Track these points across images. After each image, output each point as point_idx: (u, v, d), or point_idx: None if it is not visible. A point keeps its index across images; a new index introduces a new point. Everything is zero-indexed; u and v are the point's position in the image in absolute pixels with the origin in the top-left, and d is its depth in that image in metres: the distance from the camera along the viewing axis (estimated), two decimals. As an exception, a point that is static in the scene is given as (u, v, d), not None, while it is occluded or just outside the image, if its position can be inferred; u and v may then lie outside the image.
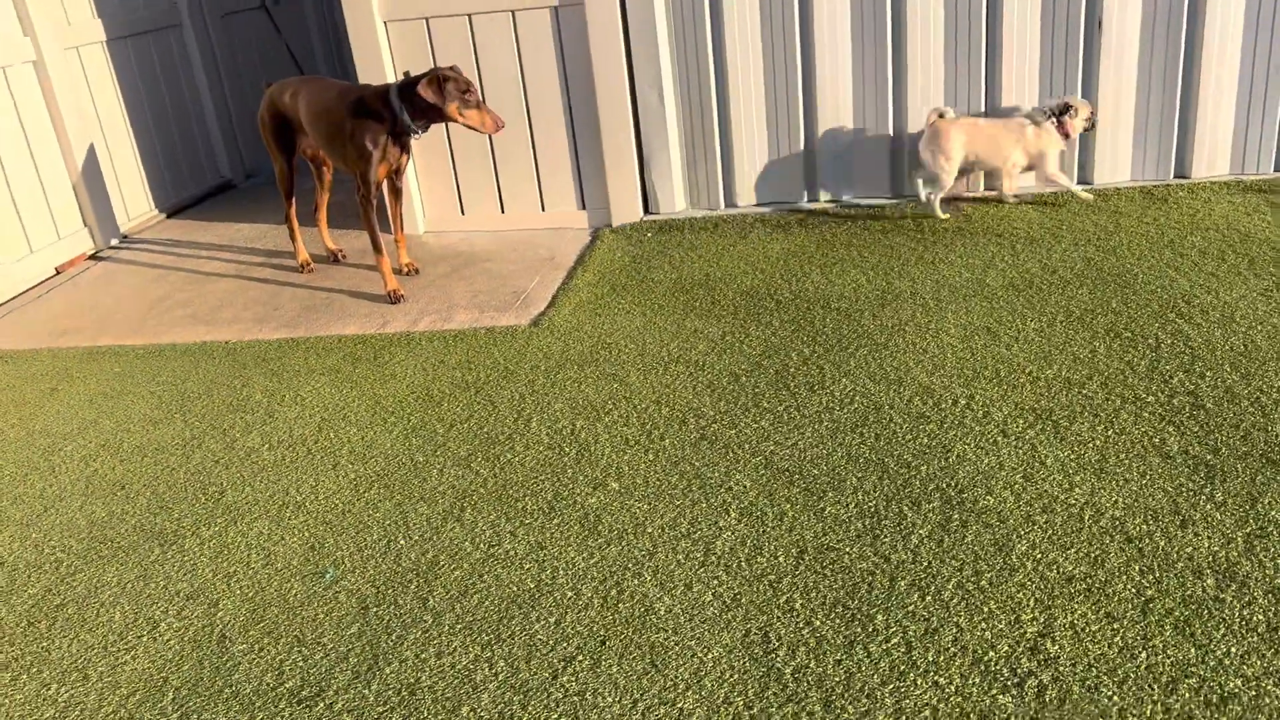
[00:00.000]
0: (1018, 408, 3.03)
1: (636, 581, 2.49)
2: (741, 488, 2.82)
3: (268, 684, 2.29)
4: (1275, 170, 4.68)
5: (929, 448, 2.89)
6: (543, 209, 5.33)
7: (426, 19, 5.06)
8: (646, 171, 5.16)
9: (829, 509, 2.67)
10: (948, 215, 4.70)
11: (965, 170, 4.72)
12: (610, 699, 2.13)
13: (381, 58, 5.11)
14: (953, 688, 2.05)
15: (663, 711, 2.08)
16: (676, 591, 2.44)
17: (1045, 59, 4.66)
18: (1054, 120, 4.49)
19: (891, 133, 4.92)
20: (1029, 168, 4.64)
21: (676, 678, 2.17)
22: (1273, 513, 2.42)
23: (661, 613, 2.37)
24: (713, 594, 2.41)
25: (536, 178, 5.27)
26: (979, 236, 4.42)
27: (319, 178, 5.05)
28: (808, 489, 2.77)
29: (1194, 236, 4.11)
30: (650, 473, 2.94)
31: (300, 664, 2.34)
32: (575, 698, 2.15)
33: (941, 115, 4.59)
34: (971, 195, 4.95)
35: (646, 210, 5.26)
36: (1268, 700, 1.92)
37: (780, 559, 2.51)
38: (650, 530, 2.68)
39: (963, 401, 3.10)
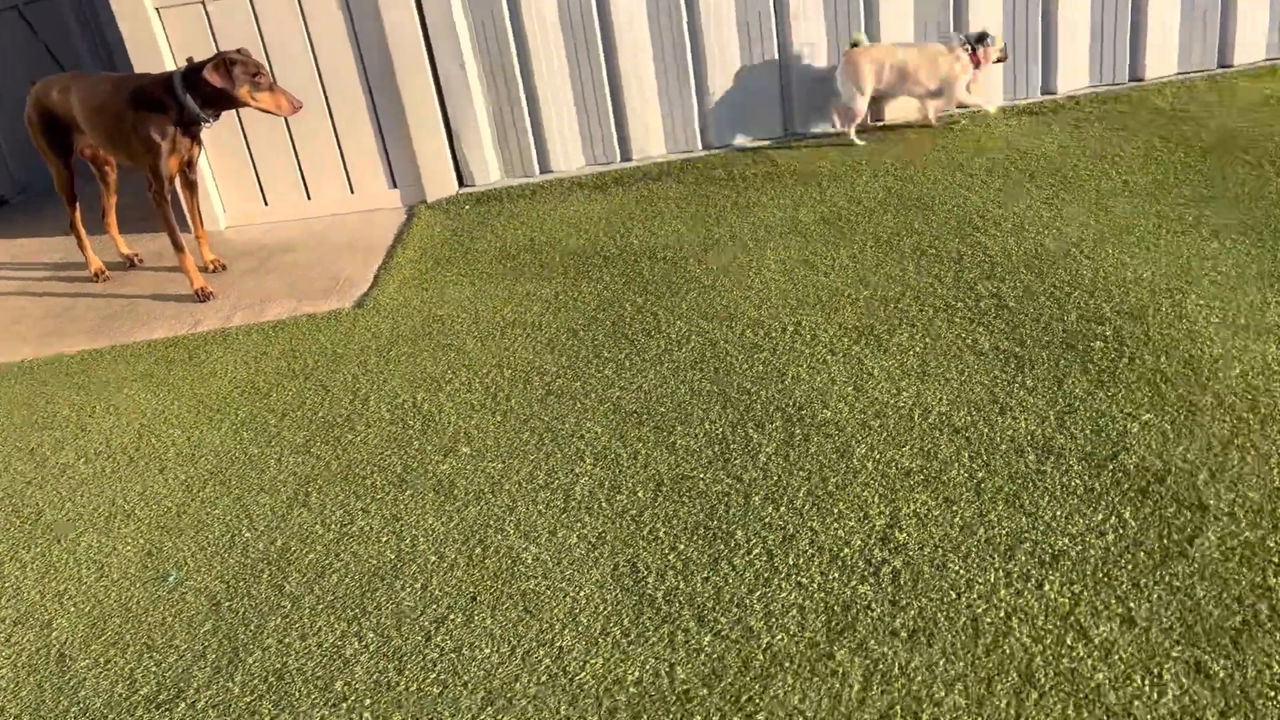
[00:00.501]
0: (842, 328, 3.17)
1: (500, 537, 2.47)
2: (593, 434, 2.84)
3: (120, 694, 2.14)
4: (1042, 94, 5.07)
5: (765, 374, 2.99)
6: (351, 191, 5.16)
7: (203, 3, 4.79)
8: (457, 144, 5.08)
9: (679, 442, 2.73)
10: (864, 143, 4.87)
11: (882, 97, 4.91)
12: (488, 649, 2.11)
13: (158, 47, 4.81)
14: (815, 585, 2.14)
15: (541, 653, 2.08)
16: (541, 540, 2.44)
17: None
18: (969, 48, 4.69)
19: (694, 83, 5.02)
20: (937, 92, 4.82)
21: (552, 619, 2.17)
22: (1077, 390, 2.65)
23: (529, 561, 2.37)
24: (577, 536, 2.43)
25: (341, 160, 5.10)
26: (787, 179, 4.59)
27: (102, 179, 4.71)
28: (657, 427, 2.82)
29: (980, 159, 4.40)
30: (500, 433, 2.92)
31: (153, 669, 2.21)
32: (452, 654, 2.12)
33: (855, 44, 4.74)
34: (879, 124, 5.08)
35: (461, 184, 5.18)
36: (1092, 553, 2.10)
37: (639, 494, 2.55)
38: (508, 487, 2.67)
39: (791, 329, 3.23)
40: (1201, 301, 2.94)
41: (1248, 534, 2.06)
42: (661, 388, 3.01)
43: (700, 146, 5.16)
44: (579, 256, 4.11)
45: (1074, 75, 5.04)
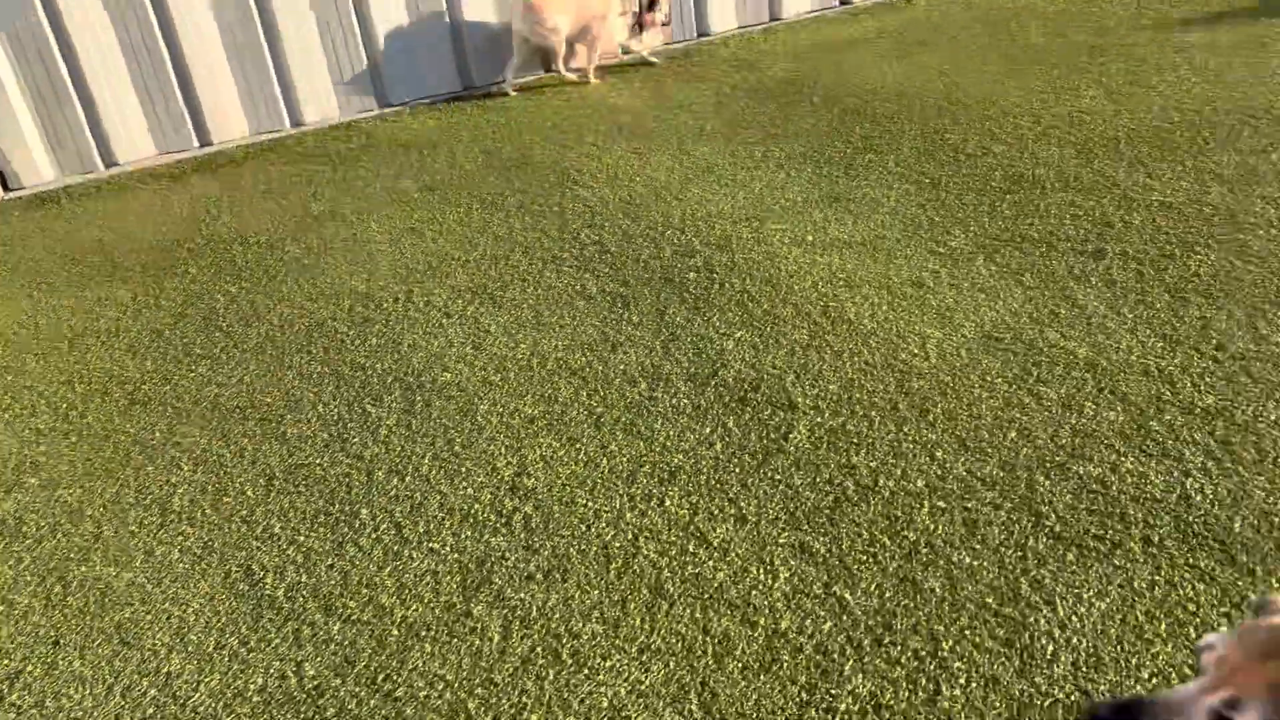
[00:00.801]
0: (455, 291, 3.10)
1: (85, 569, 2.14)
2: (190, 439, 2.55)
3: None
4: (622, 54, 5.29)
5: (380, 346, 2.85)
6: None
7: None
8: (-7, 142, 4.37)
9: (290, 430, 2.53)
10: (515, 93, 4.90)
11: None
12: (79, 694, 1.82)
13: None
14: (448, 548, 2.06)
15: (145, 684, 1.83)
16: (136, 563, 2.14)
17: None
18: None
19: (270, 58, 4.68)
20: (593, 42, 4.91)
21: (155, 644, 1.91)
22: (678, 319, 2.77)
23: (122, 589, 2.07)
24: (179, 550, 2.16)
25: None
26: (384, 149, 4.42)
27: None
28: (264, 419, 2.59)
29: (576, 116, 4.50)
30: (77, 456, 2.54)
31: None
32: (33, 711, 1.80)
33: None
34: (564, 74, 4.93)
35: (7, 188, 4.47)
36: (704, 464, 2.20)
37: (249, 493, 2.32)
38: (90, 513, 2.32)
39: (403, 298, 3.10)
40: (776, 226, 3.20)
41: (831, 422, 2.26)
42: (265, 377, 2.77)
43: (289, 125, 4.84)
44: (160, 251, 3.69)
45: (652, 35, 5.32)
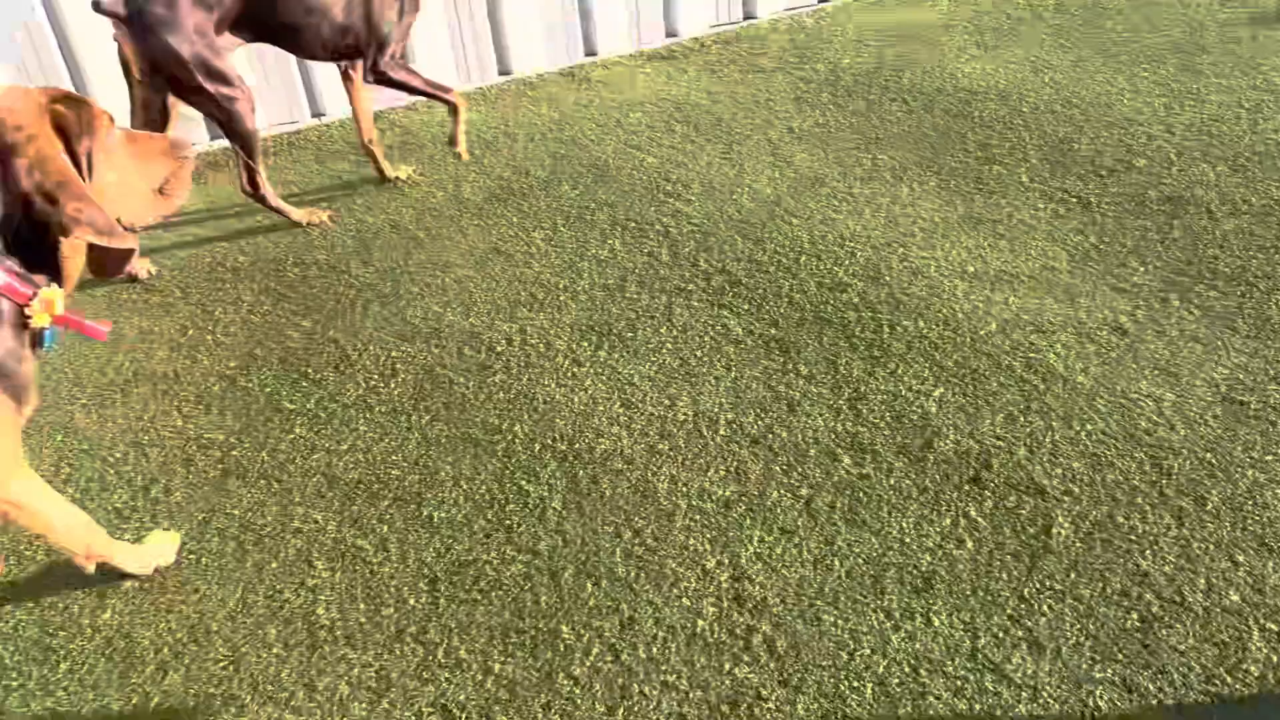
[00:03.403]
0: (575, 330, 2.74)
1: (233, 711, 1.77)
2: (313, 524, 2.17)
3: None
4: (666, 38, 4.90)
5: (510, 402, 2.48)
6: None
7: None
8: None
9: (435, 515, 2.16)
10: (559, 78, 4.18)
11: None
12: None
13: None
14: (685, 682, 1.74)
15: None
16: (297, 699, 1.78)
17: (440, -56, 4.27)
18: None
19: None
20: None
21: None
22: (854, 371, 2.46)
23: (296, 743, 1.71)
24: (349, 683, 1.80)
25: None
26: (428, 147, 3.99)
27: None
28: (398, 498, 2.22)
29: (636, 113, 4.12)
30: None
31: None
32: None
33: None
34: None
35: None
36: (961, 568, 1.91)
37: (411, 601, 1.96)
38: (218, 629, 1.94)
39: (517, 339, 2.73)
40: (925, 254, 2.90)
41: (1094, 513, 1.98)
42: (383, 442, 2.40)
43: (309, 116, 4.35)
44: (200, 272, 3.24)
45: (696, 16, 4.93)
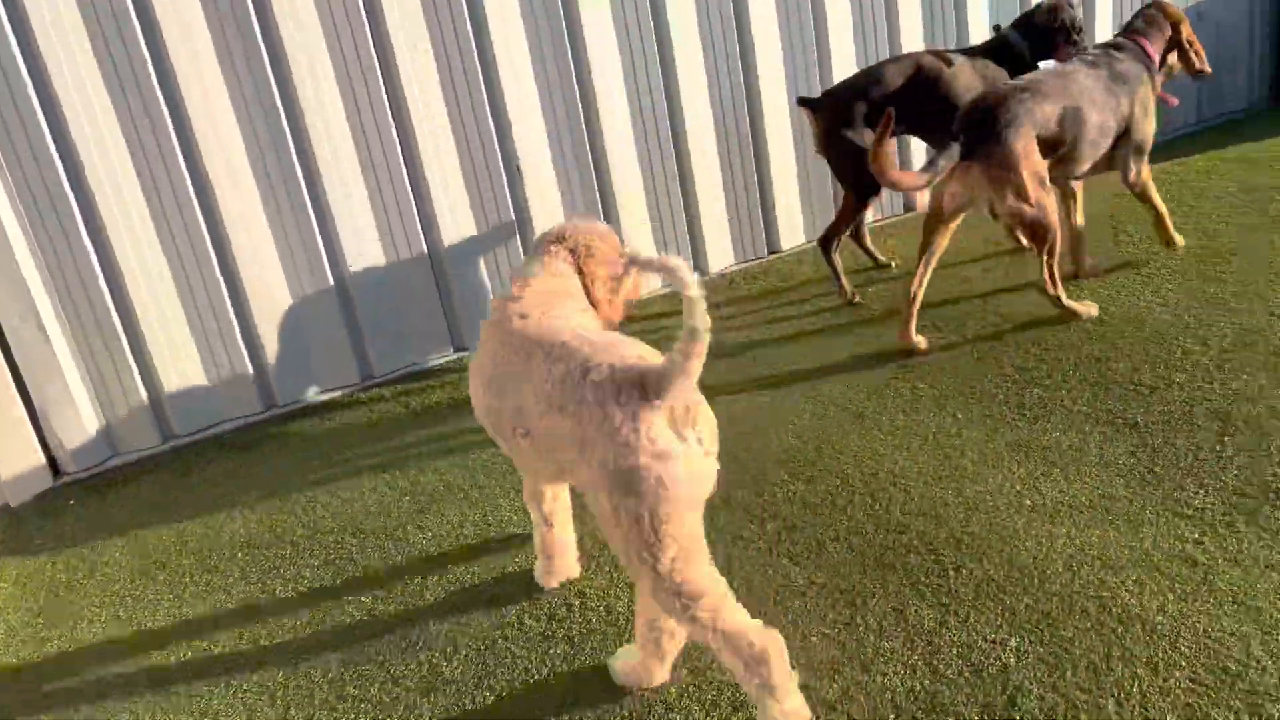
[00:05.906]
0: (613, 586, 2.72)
1: None
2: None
3: None
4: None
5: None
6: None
7: None
8: (46, 427, 3.99)
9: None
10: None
11: None
12: None
13: None
14: None
15: None
16: None
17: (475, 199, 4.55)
18: None
19: (342, 311, 4.41)
20: None
21: None
22: (925, 622, 2.39)
23: None
24: None
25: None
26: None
27: None
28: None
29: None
30: None
31: None
32: None
33: None
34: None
35: (57, 472, 4.07)
36: None
37: None
38: None
39: (577, 603, 2.70)
40: (978, 488, 2.88)
41: (1202, 775, 1.87)
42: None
43: (358, 377, 4.52)
44: (250, 548, 3.28)
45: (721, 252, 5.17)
